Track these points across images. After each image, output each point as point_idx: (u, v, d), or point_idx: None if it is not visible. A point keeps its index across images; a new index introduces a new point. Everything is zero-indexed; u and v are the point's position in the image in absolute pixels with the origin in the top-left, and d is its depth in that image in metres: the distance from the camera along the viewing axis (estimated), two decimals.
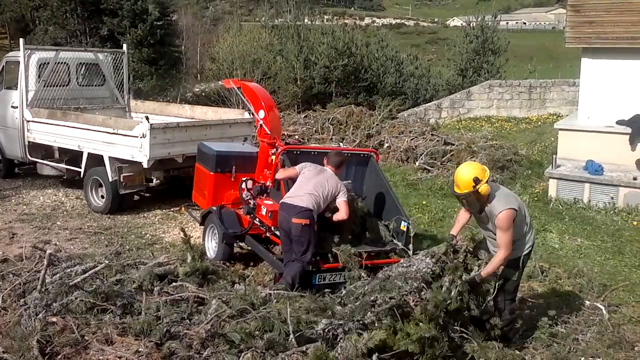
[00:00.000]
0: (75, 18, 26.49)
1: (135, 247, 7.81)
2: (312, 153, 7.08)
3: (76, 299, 3.95)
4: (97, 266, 4.82)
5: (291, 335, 3.58)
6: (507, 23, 69.31)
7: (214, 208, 7.35)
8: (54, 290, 4.15)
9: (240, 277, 6.41)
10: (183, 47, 30.78)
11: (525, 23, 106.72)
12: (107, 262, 5.09)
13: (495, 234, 4.90)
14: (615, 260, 7.77)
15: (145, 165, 9.04)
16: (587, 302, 6.30)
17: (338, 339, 3.62)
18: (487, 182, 4.81)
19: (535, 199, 10.54)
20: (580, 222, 9.29)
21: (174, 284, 4.99)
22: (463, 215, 5.36)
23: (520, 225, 4.98)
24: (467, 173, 4.81)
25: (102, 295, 4.04)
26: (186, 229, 8.71)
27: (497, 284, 5.09)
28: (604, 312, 6.05)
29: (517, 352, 4.76)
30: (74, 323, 3.53)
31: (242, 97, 8.12)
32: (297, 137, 14.67)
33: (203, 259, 5.73)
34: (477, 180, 4.75)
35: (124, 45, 12.68)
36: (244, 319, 3.76)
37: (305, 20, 29.53)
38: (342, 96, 23.51)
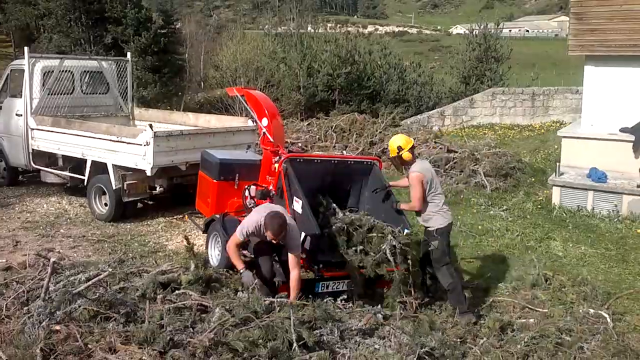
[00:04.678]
0: (80, 26, 26.64)
1: (138, 255, 7.79)
2: (315, 161, 7.09)
3: (79, 307, 3.94)
4: (101, 274, 4.83)
5: (295, 344, 3.57)
6: (510, 31, 69.46)
7: (217, 216, 7.34)
8: (58, 298, 4.15)
9: (243, 285, 6.38)
10: (187, 55, 30.83)
11: (528, 31, 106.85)
12: (110, 270, 5.09)
13: None
14: (620, 269, 7.74)
15: (148, 173, 9.05)
16: (591, 311, 6.25)
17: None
18: (409, 150, 6.28)
19: (539, 206, 10.51)
20: (584, 230, 9.26)
21: (177, 292, 4.99)
22: (404, 180, 6.77)
23: (432, 198, 6.29)
24: (394, 142, 6.42)
25: (105, 303, 4.04)
26: (189, 237, 8.86)
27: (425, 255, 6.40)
28: (609, 320, 6.01)
29: None
30: (78, 331, 3.53)
31: (245, 105, 8.14)
32: (300, 144, 14.70)
33: (206, 266, 5.73)
34: (400, 148, 6.31)
35: (128, 54, 12.75)
36: (247, 327, 3.75)
37: (309, 29, 29.66)
38: (345, 104, 23.53)
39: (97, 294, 4.11)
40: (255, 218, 5.96)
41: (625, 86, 10.60)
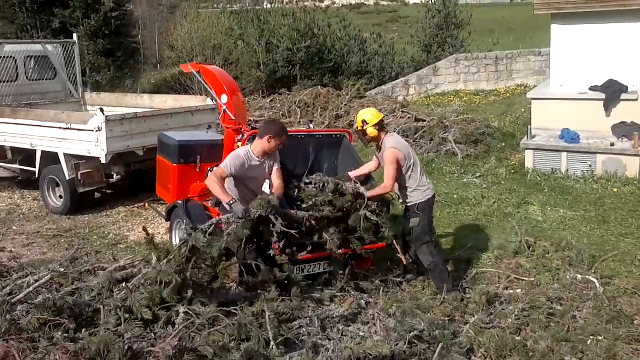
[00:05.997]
0: (25, 12, 25.29)
1: (96, 250, 7.26)
2: None
3: (23, 315, 3.45)
4: (51, 275, 4.33)
5: (272, 343, 3.16)
6: None
7: (180, 202, 6.85)
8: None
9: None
10: (140, 36, 29.77)
11: None
12: (61, 270, 4.58)
13: None
14: (602, 230, 7.52)
15: (103, 161, 8.47)
16: (579, 276, 5.99)
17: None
18: (375, 126, 5.70)
19: (512, 171, 10.27)
20: (560, 193, 9.04)
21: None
22: (367, 165, 6.12)
23: (410, 175, 5.76)
24: (360, 115, 5.88)
25: (53, 309, 3.54)
26: (152, 226, 8.38)
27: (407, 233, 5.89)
28: (598, 285, 5.77)
29: (517, 338, 4.43)
30: (18, 348, 3.03)
31: (202, 82, 7.62)
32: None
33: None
34: (364, 123, 5.75)
35: (75, 35, 11.97)
36: (216, 328, 3.31)
37: (265, 4, 28.85)
38: (307, 79, 22.95)
39: (42, 299, 3.59)
40: (237, 151, 5.68)
41: (593, 44, 10.35)
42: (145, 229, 5.18)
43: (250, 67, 23.90)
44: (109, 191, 9.90)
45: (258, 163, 5.59)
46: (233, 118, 6.83)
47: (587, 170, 9.75)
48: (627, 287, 5.86)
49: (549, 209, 8.33)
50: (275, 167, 5.67)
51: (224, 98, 6.96)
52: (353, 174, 5.97)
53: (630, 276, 6.15)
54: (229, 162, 5.50)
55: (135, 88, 24.65)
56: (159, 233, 7.90)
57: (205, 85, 7.54)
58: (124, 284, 4.44)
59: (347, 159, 6.70)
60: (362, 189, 5.57)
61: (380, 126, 5.79)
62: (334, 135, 6.94)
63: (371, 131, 5.73)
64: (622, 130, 9.96)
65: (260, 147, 5.55)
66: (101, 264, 5.22)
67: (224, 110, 6.95)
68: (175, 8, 44.23)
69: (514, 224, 7.32)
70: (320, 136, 6.90)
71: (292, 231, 5.19)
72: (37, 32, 24.59)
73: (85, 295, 4.23)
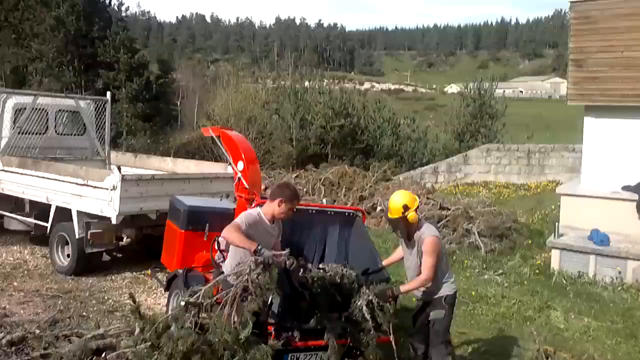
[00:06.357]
0: (71, 70, 26.38)
1: (80, 314, 6.95)
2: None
3: None
4: (24, 335, 4.06)
5: None
6: (504, 91, 69.82)
7: (180, 271, 6.57)
8: None
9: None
10: (179, 104, 30.56)
11: (522, 91, 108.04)
12: (37, 331, 4.30)
13: (419, 261, 5.26)
14: (628, 345, 6.92)
15: (114, 221, 8.30)
16: None
17: None
18: (415, 210, 5.24)
19: (537, 271, 9.75)
20: (586, 299, 8.48)
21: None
22: (397, 253, 5.75)
23: (440, 264, 5.27)
24: (398, 200, 5.26)
25: None
26: (154, 295, 8.08)
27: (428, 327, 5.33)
28: None
29: None
30: None
31: (221, 147, 7.49)
32: None
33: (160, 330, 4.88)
34: (406, 207, 5.20)
35: (108, 93, 12.14)
36: None
37: (305, 84, 29.37)
38: (339, 158, 23.00)
39: None
40: (249, 211, 5.31)
41: (628, 140, 9.92)
42: (132, 296, 4.90)
43: (282, 142, 24.12)
44: (119, 255, 9.71)
45: (268, 226, 5.30)
46: (247, 187, 6.61)
47: (617, 277, 9.18)
48: None
49: (573, 316, 7.76)
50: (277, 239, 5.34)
51: (240, 165, 6.76)
52: (386, 262, 5.74)
53: None
54: (243, 218, 5.14)
55: (169, 153, 25.02)
56: (159, 304, 7.60)
57: (223, 150, 7.41)
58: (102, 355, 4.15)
59: (359, 240, 6.39)
60: (396, 288, 5.20)
61: (417, 211, 5.38)
62: (347, 213, 6.67)
63: (413, 217, 5.24)
64: None
65: (271, 210, 5.18)
66: (81, 329, 4.90)
67: (239, 178, 6.75)
68: (218, 80, 45.70)
69: (532, 329, 6.80)
70: (332, 212, 6.63)
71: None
72: (81, 91, 25.51)
73: None
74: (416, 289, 5.29)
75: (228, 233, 4.87)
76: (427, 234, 5.22)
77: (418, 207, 5.38)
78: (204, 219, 7.00)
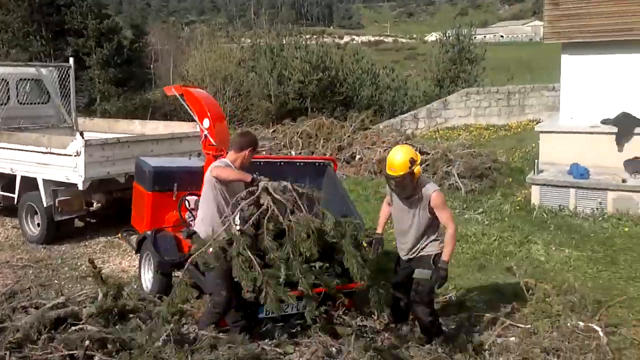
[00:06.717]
0: (39, 39, 25.54)
1: (34, 285, 6.70)
2: (258, 163, 6.15)
3: None
4: None
5: None
6: (485, 37, 68.98)
7: (149, 232, 6.38)
8: None
9: (175, 315, 5.38)
10: (152, 67, 29.82)
11: (502, 36, 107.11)
12: None
13: (426, 218, 5.04)
14: (609, 272, 6.90)
15: (81, 187, 8.07)
16: (581, 323, 5.37)
17: None
18: (419, 163, 4.98)
19: (517, 207, 9.69)
20: (567, 231, 8.43)
21: (73, 328, 4.03)
22: (385, 210, 5.49)
23: (434, 221, 5.09)
24: (402, 155, 4.91)
25: None
26: (129, 258, 7.91)
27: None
28: (601, 334, 5.15)
29: None
30: None
31: (185, 106, 7.22)
32: (263, 152, 13.76)
33: (121, 294, 4.72)
34: (412, 161, 4.88)
35: (70, 59, 11.68)
36: None
37: (284, 41, 28.64)
38: (318, 111, 22.60)
39: None
40: (218, 161, 5.22)
41: (606, 75, 9.89)
42: (92, 261, 4.71)
43: (260, 99, 23.71)
44: (92, 220, 9.49)
45: None
46: (214, 144, 6.40)
47: (597, 208, 9.13)
48: (635, 338, 5.25)
49: (553, 249, 7.72)
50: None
51: (206, 122, 6.54)
52: (380, 228, 5.42)
53: (638, 325, 5.53)
54: (218, 164, 5.07)
55: (145, 116, 24.55)
56: (134, 266, 7.43)
57: (189, 108, 7.14)
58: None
59: (332, 191, 6.22)
60: (442, 262, 4.93)
61: None
62: (317, 164, 6.48)
63: (419, 169, 4.98)
64: (635, 166, 9.40)
65: (240, 159, 5.10)
66: (41, 299, 4.71)
67: (205, 136, 6.53)
68: (193, 41, 44.72)
69: (512, 264, 6.73)
70: (302, 164, 6.44)
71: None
72: (50, 60, 24.74)
73: (9, 336, 3.76)
74: (451, 250, 4.99)
75: (220, 171, 4.89)
76: (432, 189, 5.01)
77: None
78: (170, 179, 6.81)
